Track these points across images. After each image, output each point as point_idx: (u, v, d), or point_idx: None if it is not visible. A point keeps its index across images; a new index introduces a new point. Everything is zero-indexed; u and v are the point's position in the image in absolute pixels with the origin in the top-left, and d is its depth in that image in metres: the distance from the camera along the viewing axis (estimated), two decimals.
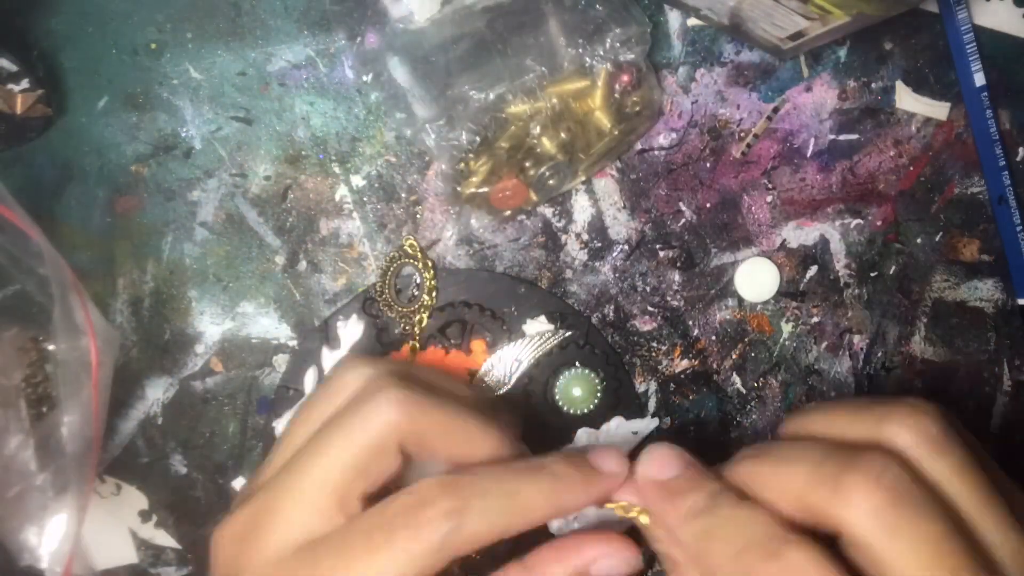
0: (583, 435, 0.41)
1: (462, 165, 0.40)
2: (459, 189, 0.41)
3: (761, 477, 0.28)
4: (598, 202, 0.44)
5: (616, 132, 0.41)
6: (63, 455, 0.35)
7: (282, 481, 0.28)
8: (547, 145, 0.40)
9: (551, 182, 0.41)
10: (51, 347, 0.41)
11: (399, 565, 0.26)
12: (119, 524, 0.43)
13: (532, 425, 0.41)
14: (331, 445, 0.28)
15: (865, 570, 0.25)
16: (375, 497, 0.28)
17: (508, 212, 0.41)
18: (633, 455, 0.31)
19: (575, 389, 0.43)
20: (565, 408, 0.43)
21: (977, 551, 0.25)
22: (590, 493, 0.29)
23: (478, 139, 0.39)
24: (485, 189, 0.40)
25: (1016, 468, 0.49)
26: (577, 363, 0.43)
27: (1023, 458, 0.48)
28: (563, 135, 0.40)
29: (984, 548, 0.25)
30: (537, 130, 0.40)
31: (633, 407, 0.43)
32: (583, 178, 0.42)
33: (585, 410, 0.43)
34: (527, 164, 0.40)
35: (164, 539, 0.44)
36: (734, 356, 0.45)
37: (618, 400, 0.43)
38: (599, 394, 0.43)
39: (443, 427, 0.29)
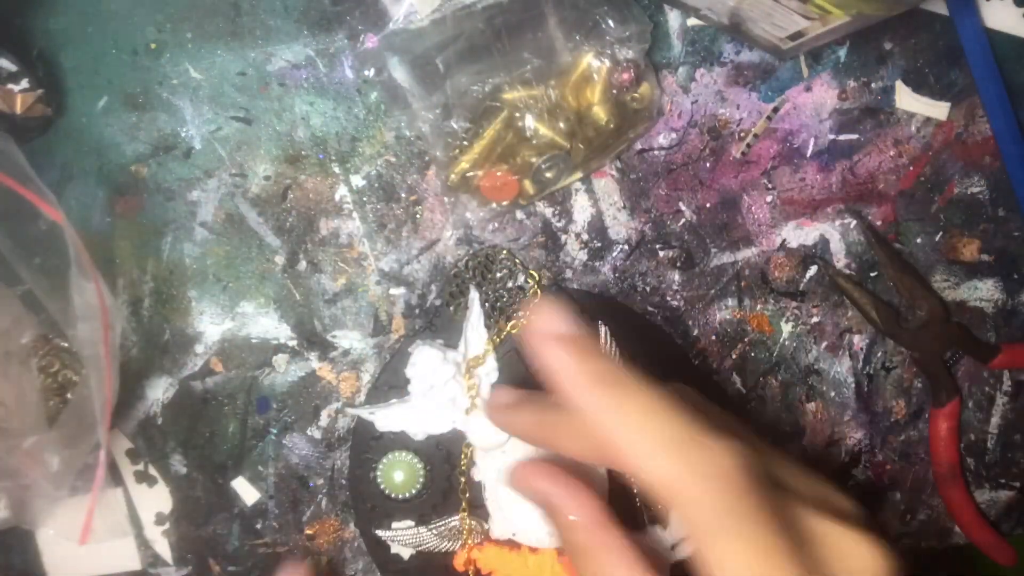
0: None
1: (456, 152, 0.40)
2: (451, 174, 0.41)
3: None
4: (598, 202, 0.44)
5: (613, 127, 0.41)
6: (80, 415, 0.36)
7: None
8: (544, 133, 0.40)
9: (548, 174, 0.41)
10: (64, 343, 0.41)
11: None
12: (122, 528, 0.43)
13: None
14: None
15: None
16: None
17: (504, 203, 0.41)
18: None
19: (396, 474, 0.42)
20: (397, 495, 0.42)
21: None
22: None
23: (470, 125, 0.40)
24: (474, 174, 0.41)
25: (1015, 467, 0.49)
26: (392, 451, 0.42)
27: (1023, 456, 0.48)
28: (561, 125, 0.40)
29: None
30: (533, 121, 0.40)
31: (454, 503, 0.42)
32: (580, 174, 0.42)
33: (414, 491, 0.42)
34: (525, 153, 0.40)
35: (162, 541, 0.44)
36: (734, 356, 0.45)
37: (450, 458, 0.42)
38: (421, 480, 0.42)
39: None
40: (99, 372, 0.34)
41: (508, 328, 0.42)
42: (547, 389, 0.27)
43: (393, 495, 0.42)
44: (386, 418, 0.41)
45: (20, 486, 0.35)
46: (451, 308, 0.42)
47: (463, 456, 0.42)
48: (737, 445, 0.24)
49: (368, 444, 0.43)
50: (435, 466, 0.42)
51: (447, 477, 0.42)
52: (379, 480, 0.42)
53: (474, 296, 0.42)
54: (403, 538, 0.42)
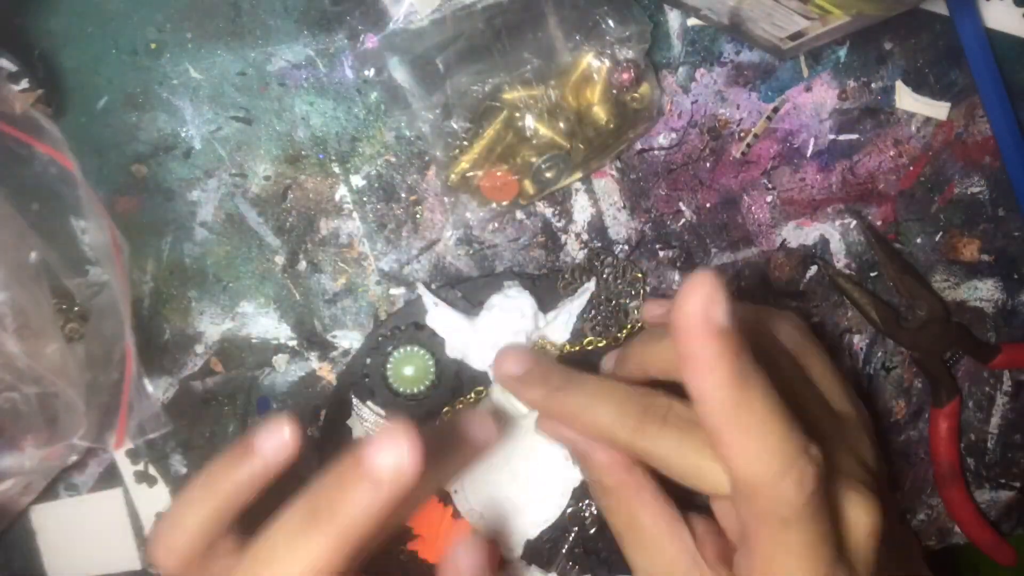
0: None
1: (456, 151, 0.40)
2: (451, 175, 0.41)
3: (641, 355, 0.33)
4: (598, 202, 0.44)
5: (613, 127, 0.41)
6: (101, 322, 0.36)
7: None
8: (544, 133, 0.40)
9: (548, 174, 0.41)
10: (76, 308, 0.41)
11: None
12: (122, 528, 0.43)
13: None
14: None
15: None
16: None
17: (504, 204, 0.42)
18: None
19: (406, 368, 0.42)
20: (398, 388, 0.43)
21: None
22: None
23: (470, 125, 0.40)
24: (474, 174, 0.41)
25: (1015, 467, 0.49)
26: (413, 344, 0.43)
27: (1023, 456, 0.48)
28: (561, 125, 0.40)
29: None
30: (533, 121, 0.40)
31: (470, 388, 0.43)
32: (580, 174, 0.42)
33: (417, 390, 0.42)
34: (525, 153, 0.41)
35: None
36: None
37: (460, 382, 0.43)
38: (432, 374, 0.42)
39: None
40: (116, 287, 0.34)
41: (586, 343, 0.43)
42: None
43: (393, 384, 0.42)
44: (442, 317, 0.42)
45: (48, 394, 0.34)
46: (559, 282, 0.43)
47: (470, 397, 0.42)
48: (816, 458, 0.26)
49: (394, 330, 0.43)
50: (442, 384, 0.43)
51: (445, 401, 0.43)
52: (388, 365, 0.42)
53: (589, 287, 0.43)
54: (370, 422, 0.42)
